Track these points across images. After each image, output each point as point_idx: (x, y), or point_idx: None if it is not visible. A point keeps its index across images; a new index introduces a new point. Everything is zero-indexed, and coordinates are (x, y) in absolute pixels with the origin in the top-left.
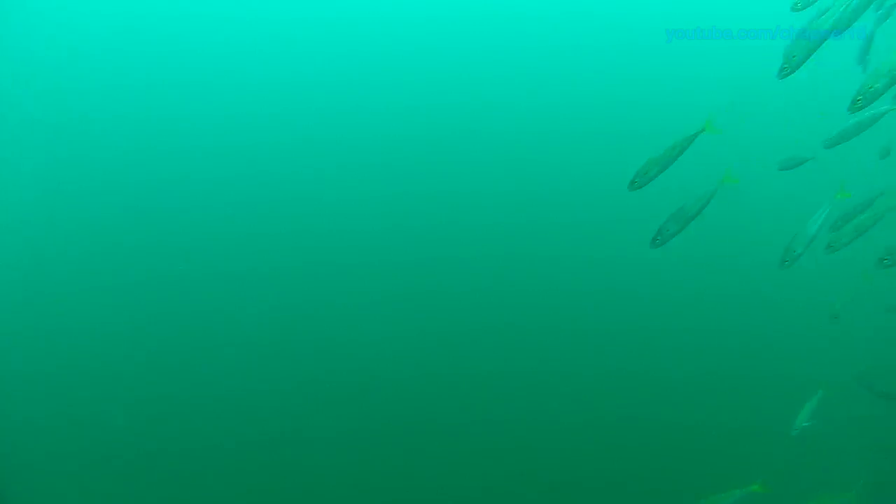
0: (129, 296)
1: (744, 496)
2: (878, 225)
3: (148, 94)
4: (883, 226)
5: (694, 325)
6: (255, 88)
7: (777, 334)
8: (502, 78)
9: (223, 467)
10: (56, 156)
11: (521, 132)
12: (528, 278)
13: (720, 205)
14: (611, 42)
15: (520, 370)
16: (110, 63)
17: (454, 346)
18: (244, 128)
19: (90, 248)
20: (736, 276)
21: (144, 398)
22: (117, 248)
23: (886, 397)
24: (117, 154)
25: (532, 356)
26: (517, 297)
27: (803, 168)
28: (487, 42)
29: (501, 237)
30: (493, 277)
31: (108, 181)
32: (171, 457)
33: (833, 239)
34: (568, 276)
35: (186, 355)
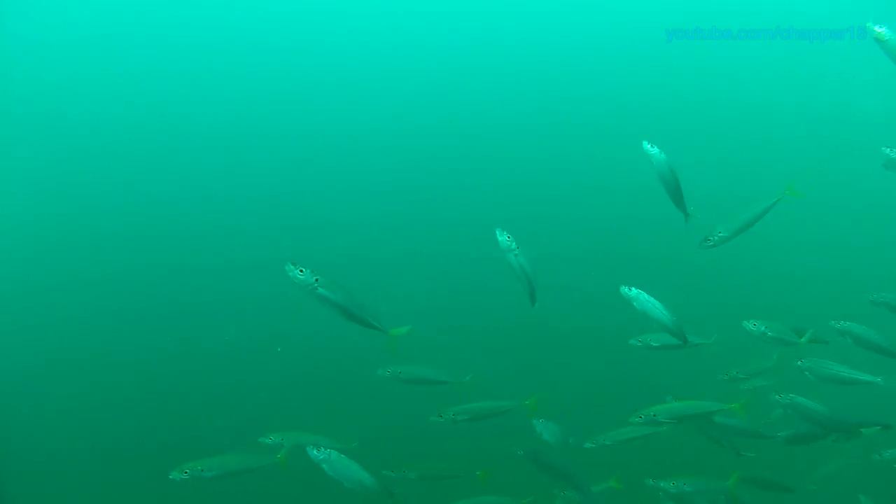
0: (127, 295)
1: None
2: None
3: (139, 91)
4: None
5: None
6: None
7: None
8: (497, 78)
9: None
10: (50, 154)
11: (520, 131)
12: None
13: None
14: (611, 42)
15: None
16: (106, 61)
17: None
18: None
19: (90, 250)
20: None
21: (144, 397)
22: (117, 249)
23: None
24: (111, 152)
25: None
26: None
27: None
28: (482, 41)
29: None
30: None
31: (103, 180)
32: (170, 457)
33: None
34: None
35: (187, 354)
